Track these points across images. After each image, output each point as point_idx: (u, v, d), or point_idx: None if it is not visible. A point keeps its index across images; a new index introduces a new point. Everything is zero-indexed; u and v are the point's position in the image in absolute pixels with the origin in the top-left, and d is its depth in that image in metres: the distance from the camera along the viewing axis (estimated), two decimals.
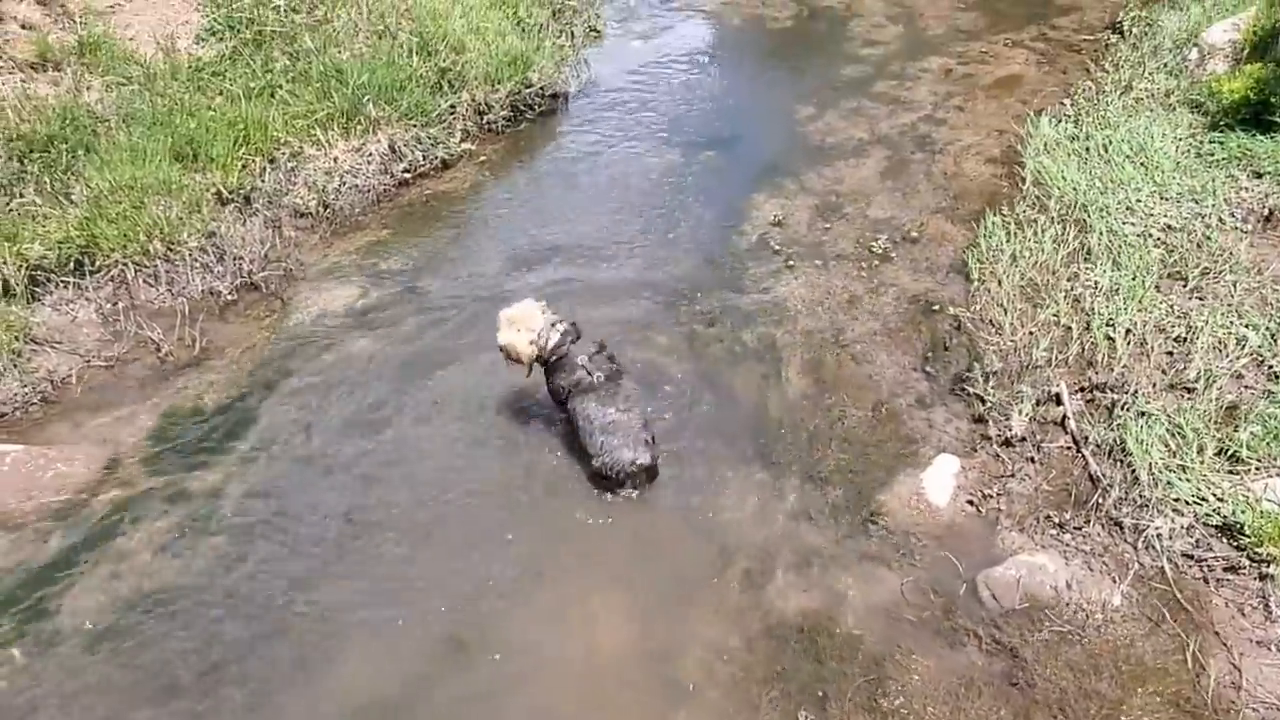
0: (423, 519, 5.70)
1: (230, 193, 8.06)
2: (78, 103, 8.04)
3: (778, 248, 8.05)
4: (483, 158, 9.77)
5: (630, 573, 5.35)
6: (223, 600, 5.25)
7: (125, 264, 7.30)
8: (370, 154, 9.03)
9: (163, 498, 5.88)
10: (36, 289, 7.08)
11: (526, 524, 5.64)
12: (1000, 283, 7.11)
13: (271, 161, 8.54)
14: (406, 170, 9.28)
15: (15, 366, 6.47)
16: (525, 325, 5.80)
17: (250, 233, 7.94)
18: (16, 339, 6.54)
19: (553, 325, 5.82)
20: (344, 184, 8.81)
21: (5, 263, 6.83)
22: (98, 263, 7.26)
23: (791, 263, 7.84)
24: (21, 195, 7.28)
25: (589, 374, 5.79)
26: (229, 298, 7.56)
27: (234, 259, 7.70)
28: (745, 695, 4.72)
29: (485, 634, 5.03)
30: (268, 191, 8.38)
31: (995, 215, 7.86)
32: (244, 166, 8.20)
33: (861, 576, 5.27)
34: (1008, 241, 7.47)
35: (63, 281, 7.18)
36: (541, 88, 10.50)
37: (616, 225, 8.47)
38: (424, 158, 9.36)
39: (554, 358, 5.84)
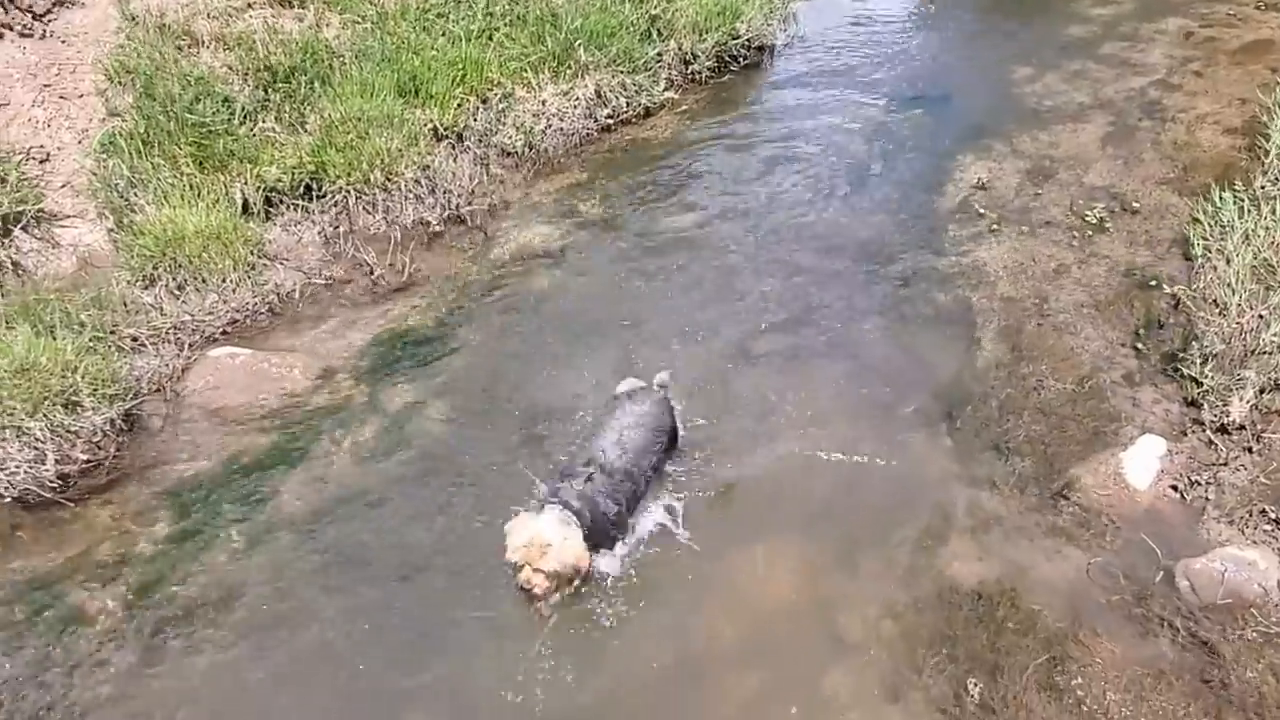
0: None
1: (445, 129, 8.43)
2: (317, 38, 8.57)
3: (982, 210, 7.74)
4: (684, 107, 9.82)
5: (803, 523, 5.33)
6: (412, 507, 5.56)
7: (348, 191, 7.77)
8: (577, 98, 9.23)
9: (366, 409, 6.28)
10: (270, 210, 7.65)
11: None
12: (1229, 261, 6.58)
13: (484, 102, 8.85)
14: (610, 116, 9.45)
15: (249, 279, 7.02)
16: (553, 539, 4.68)
17: (461, 168, 8.30)
18: (252, 254, 7.09)
19: (566, 516, 4.77)
20: (549, 126, 9.05)
21: (246, 184, 7.39)
22: (324, 188, 7.76)
23: (995, 227, 7.52)
24: (263, 122, 7.85)
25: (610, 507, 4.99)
26: (437, 228, 7.94)
27: (444, 192, 8.06)
28: (909, 655, 4.65)
29: (652, 573, 5.14)
30: (479, 130, 8.71)
31: (1228, 190, 7.26)
32: (459, 105, 8.55)
33: (1046, 551, 5.07)
34: (1240, 218, 6.89)
35: (293, 204, 7.72)
36: (748, 39, 10.43)
37: (814, 182, 8.35)
38: (627, 104, 9.50)
39: (593, 521, 4.90)
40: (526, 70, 9.06)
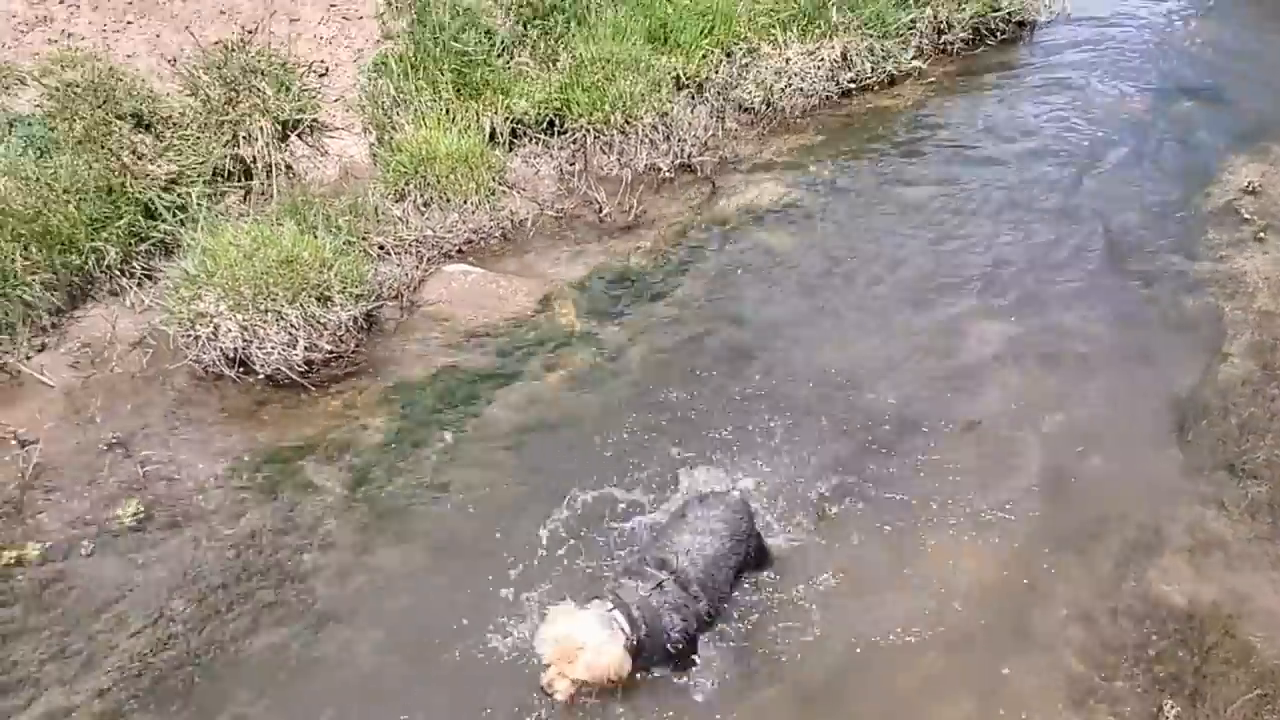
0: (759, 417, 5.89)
1: (687, 79, 8.55)
2: None
3: (1248, 216, 7.16)
4: (931, 79, 9.53)
5: (1002, 517, 5.19)
6: (610, 436, 5.79)
7: (588, 130, 8.05)
8: (821, 59, 9.13)
9: (580, 339, 6.57)
10: (514, 141, 8.03)
11: None
12: None
13: (728, 55, 8.90)
14: (852, 81, 9.30)
15: (488, 203, 7.44)
16: (588, 643, 4.04)
17: (697, 119, 8.40)
18: (494, 180, 7.50)
19: (610, 619, 4.13)
20: (790, 86, 9.00)
21: (496, 114, 7.79)
22: (566, 125, 8.07)
23: (1261, 235, 6.95)
24: (519, 56, 8.22)
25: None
26: (667, 175, 8.12)
27: (678, 140, 8.21)
28: (1099, 663, 4.48)
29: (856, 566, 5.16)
30: (719, 83, 8.79)
31: None
32: (704, 56, 8.64)
33: (1274, 583, 4.73)
34: None
35: (535, 137, 8.07)
36: (1009, 12, 9.97)
37: (1061, 169, 7.98)
38: (872, 70, 9.31)
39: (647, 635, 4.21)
40: (775, 27, 9.02)
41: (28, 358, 6.08)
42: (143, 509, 5.32)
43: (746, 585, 4.81)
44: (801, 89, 9.04)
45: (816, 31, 9.14)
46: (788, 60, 9.04)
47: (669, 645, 4.25)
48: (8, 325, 6.04)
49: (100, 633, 4.74)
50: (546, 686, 4.04)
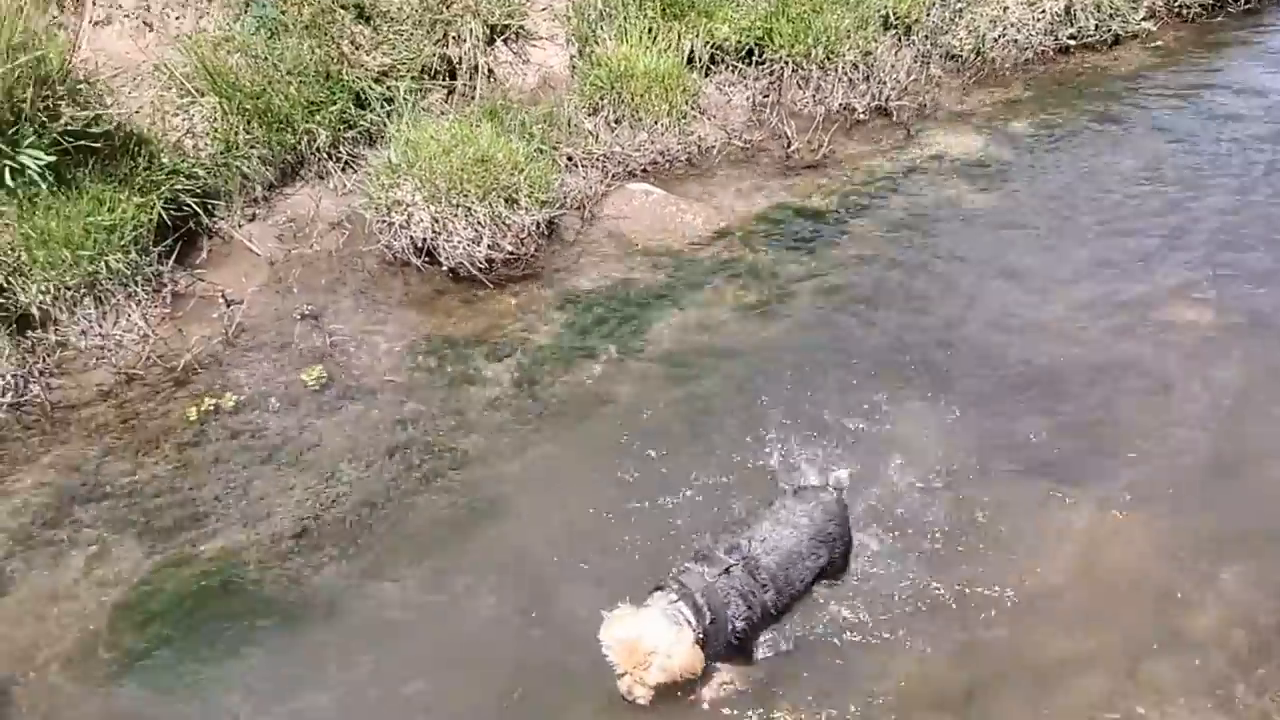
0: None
1: (897, 19, 8.27)
2: None
3: None
4: (1158, 43, 8.91)
5: (1177, 496, 4.94)
6: (772, 369, 5.78)
7: (786, 62, 7.92)
8: (1043, 11, 8.66)
9: (751, 271, 6.56)
10: (711, 67, 7.98)
11: None
12: None
13: None
14: (1072, 37, 8.82)
15: (678, 125, 7.46)
16: (659, 644, 3.79)
17: (900, 62, 8.15)
18: (686, 104, 7.50)
19: (673, 611, 3.87)
20: (1004, 36, 8.62)
21: (697, 37, 7.75)
22: (764, 55, 7.96)
23: None
24: None
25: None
26: (861, 116, 7.94)
27: (878, 82, 8.00)
28: (1255, 675, 4.23)
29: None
30: (929, 26, 8.47)
31: None
32: None
33: None
34: None
35: (732, 65, 8.00)
36: None
37: None
38: (1096, 28, 8.79)
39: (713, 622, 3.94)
40: None
41: (239, 226, 6.54)
42: (325, 376, 5.69)
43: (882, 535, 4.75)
44: (1016, 41, 8.64)
45: None
46: (1006, 9, 8.64)
47: (731, 636, 3.99)
48: (226, 193, 6.50)
49: (277, 482, 5.13)
50: (626, 695, 3.86)
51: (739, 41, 7.90)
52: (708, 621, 3.86)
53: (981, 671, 4.25)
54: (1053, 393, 5.53)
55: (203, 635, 4.42)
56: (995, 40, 8.55)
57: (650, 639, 3.74)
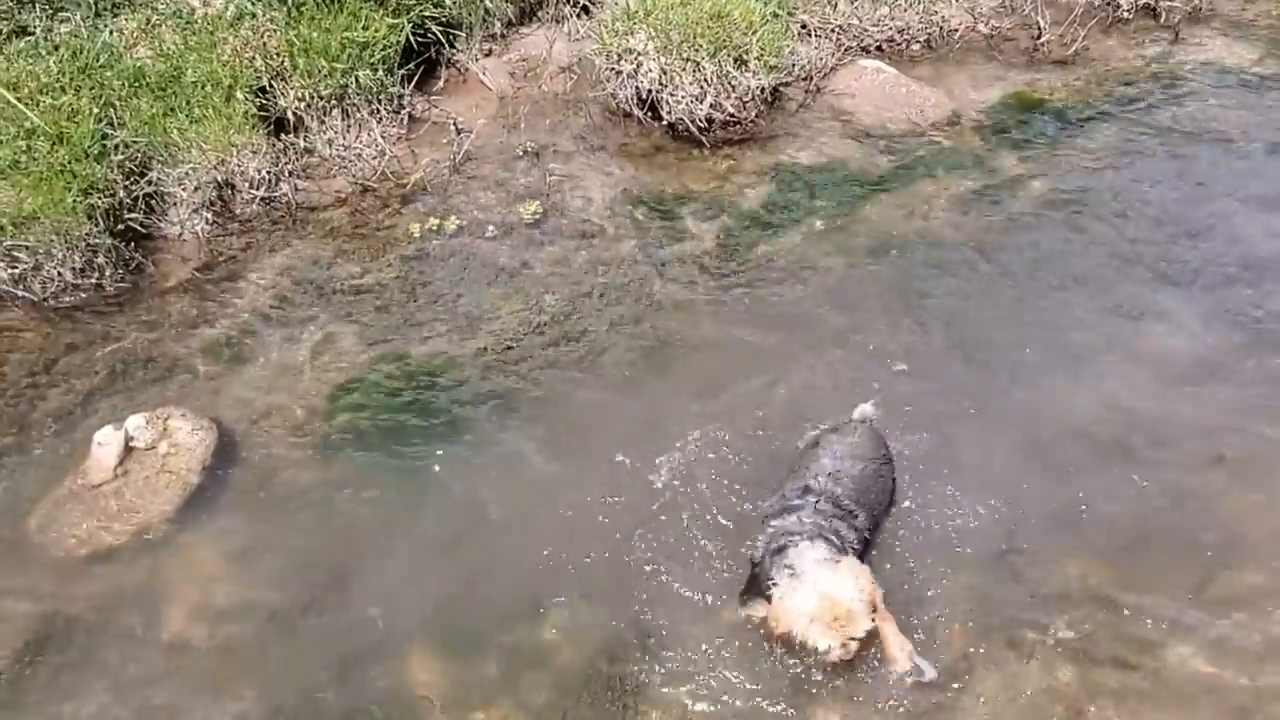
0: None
1: None
2: None
3: None
4: None
5: None
6: (980, 264, 5.64)
7: None
8: None
9: (978, 164, 6.31)
10: None
11: None
12: None
13: None
14: None
15: (922, 3, 7.12)
16: (852, 600, 3.66)
17: None
18: None
19: (824, 552, 3.80)
20: None
21: None
22: None
23: None
24: None
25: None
26: (1126, 15, 7.39)
27: None
28: None
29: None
30: None
31: None
32: None
33: None
34: None
35: None
36: None
37: None
38: None
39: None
40: None
41: (476, 59, 6.80)
42: (541, 211, 5.94)
43: None
44: None
45: None
46: None
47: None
48: (468, 25, 6.74)
49: (487, 302, 5.46)
50: (844, 658, 3.67)
51: None
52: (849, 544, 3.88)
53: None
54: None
55: (406, 422, 4.84)
56: None
57: (838, 594, 3.61)
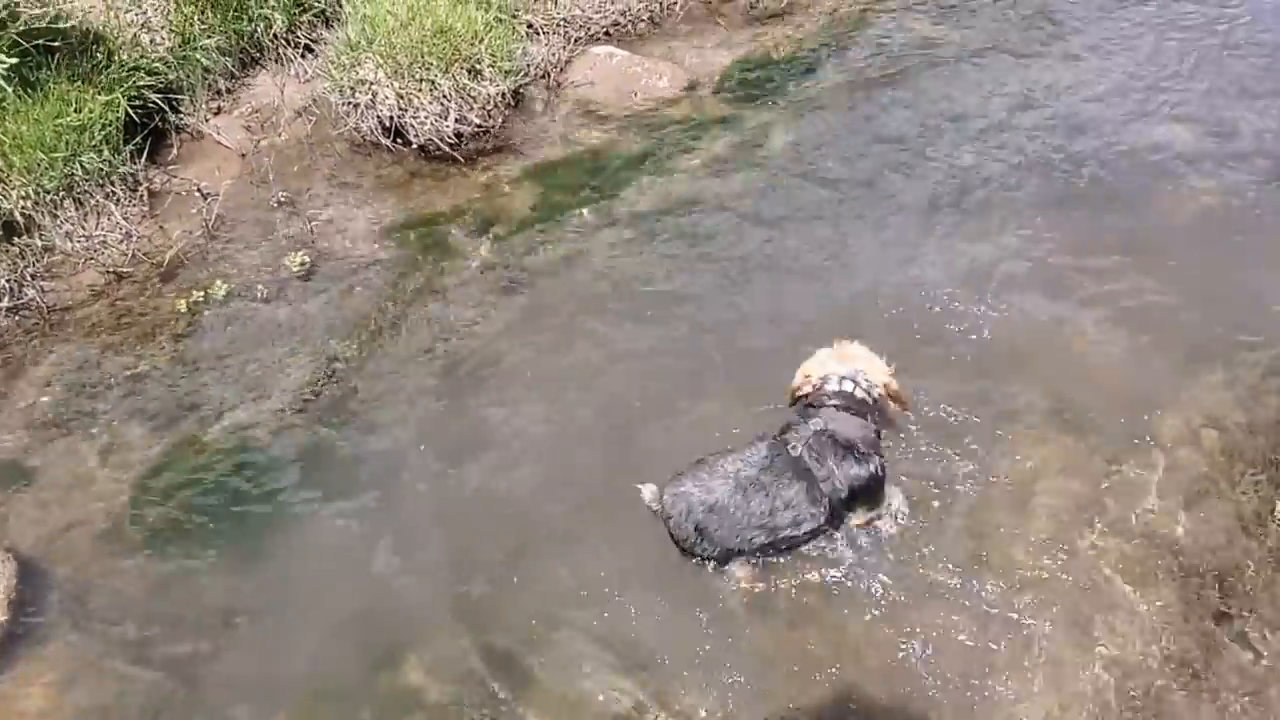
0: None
1: None
2: None
3: None
4: None
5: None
6: (747, 216, 5.97)
7: None
8: None
9: (722, 125, 6.64)
10: None
11: None
12: None
13: None
14: None
15: None
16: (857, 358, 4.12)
17: None
18: None
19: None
20: None
21: None
22: None
23: None
24: None
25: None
26: None
27: None
28: (1225, 469, 4.50)
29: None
30: None
31: None
32: None
33: None
34: None
35: None
36: None
37: None
38: None
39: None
40: None
41: (206, 120, 6.58)
42: (308, 260, 5.84)
43: None
44: None
45: None
46: None
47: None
48: (189, 87, 6.51)
49: (273, 363, 5.34)
50: (903, 400, 4.10)
51: None
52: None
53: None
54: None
55: (217, 503, 4.71)
56: None
57: (853, 356, 4.05)
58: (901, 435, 4.55)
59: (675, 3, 7.53)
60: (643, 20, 7.42)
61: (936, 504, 4.40)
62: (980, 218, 5.81)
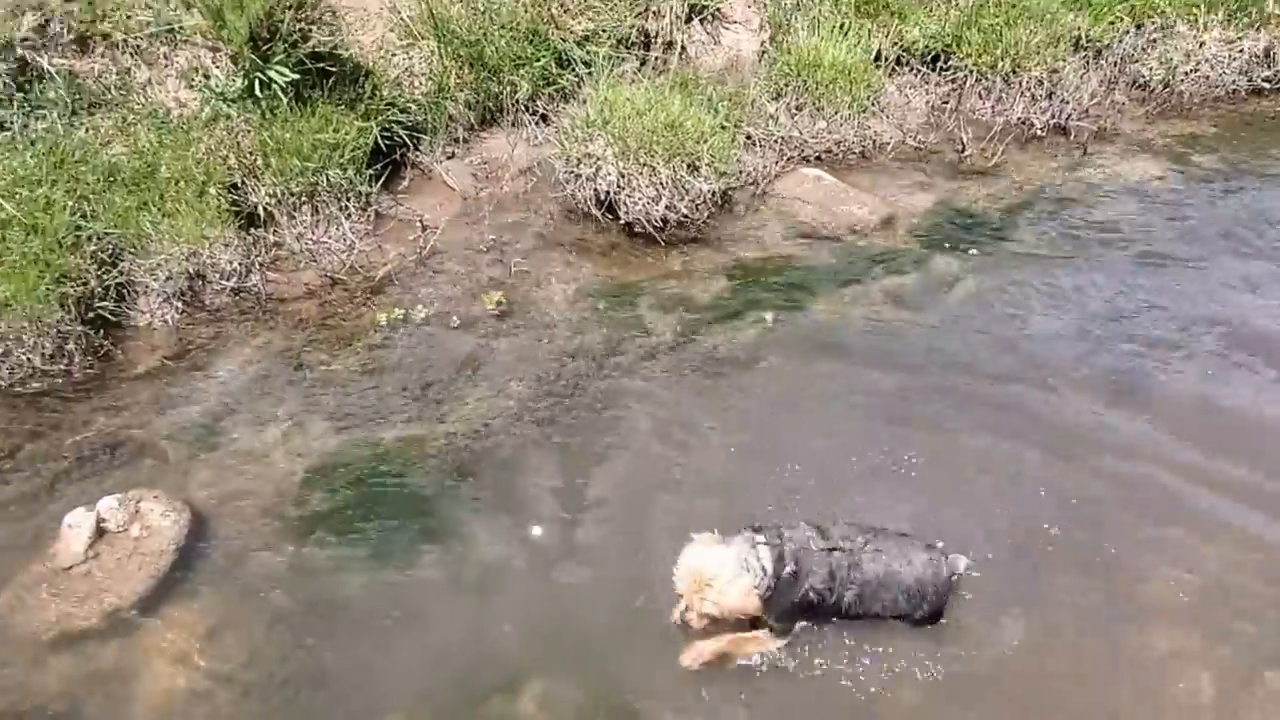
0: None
1: (1088, 41, 8.32)
2: None
3: None
4: None
5: None
6: (923, 352, 6.03)
7: (971, 71, 8.07)
8: (1241, 50, 8.55)
9: (912, 263, 6.79)
10: (896, 67, 8.19)
11: None
12: None
13: (1138, 26, 8.53)
14: (1268, 80, 8.65)
15: (856, 119, 7.71)
16: (716, 579, 4.02)
17: (1086, 83, 8.19)
18: (867, 99, 7.75)
19: (751, 555, 4.07)
20: (1196, 70, 8.54)
21: (887, 37, 7.99)
22: (950, 63, 8.14)
23: None
24: None
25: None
26: (1039, 132, 8.05)
27: (1061, 100, 8.07)
28: None
29: None
30: (1120, 53, 8.48)
31: None
32: (1114, 21, 8.34)
33: None
34: None
35: (916, 69, 8.21)
36: None
37: None
38: None
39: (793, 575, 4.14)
40: (1198, 6, 8.51)
41: (440, 161, 7.12)
42: (503, 303, 6.19)
43: None
44: (1208, 77, 8.58)
45: (1244, 19, 8.53)
46: (1202, 44, 8.55)
47: (806, 594, 4.13)
48: (432, 129, 7.08)
49: (453, 389, 5.65)
50: (681, 618, 4.08)
51: (926, 46, 8.08)
52: (787, 571, 4.03)
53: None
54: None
55: (376, 505, 4.96)
56: (1186, 74, 8.50)
57: (712, 571, 3.97)
58: None
59: (887, 144, 7.80)
60: (854, 152, 7.72)
61: None
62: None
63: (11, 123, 5.96)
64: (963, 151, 7.81)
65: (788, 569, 4.04)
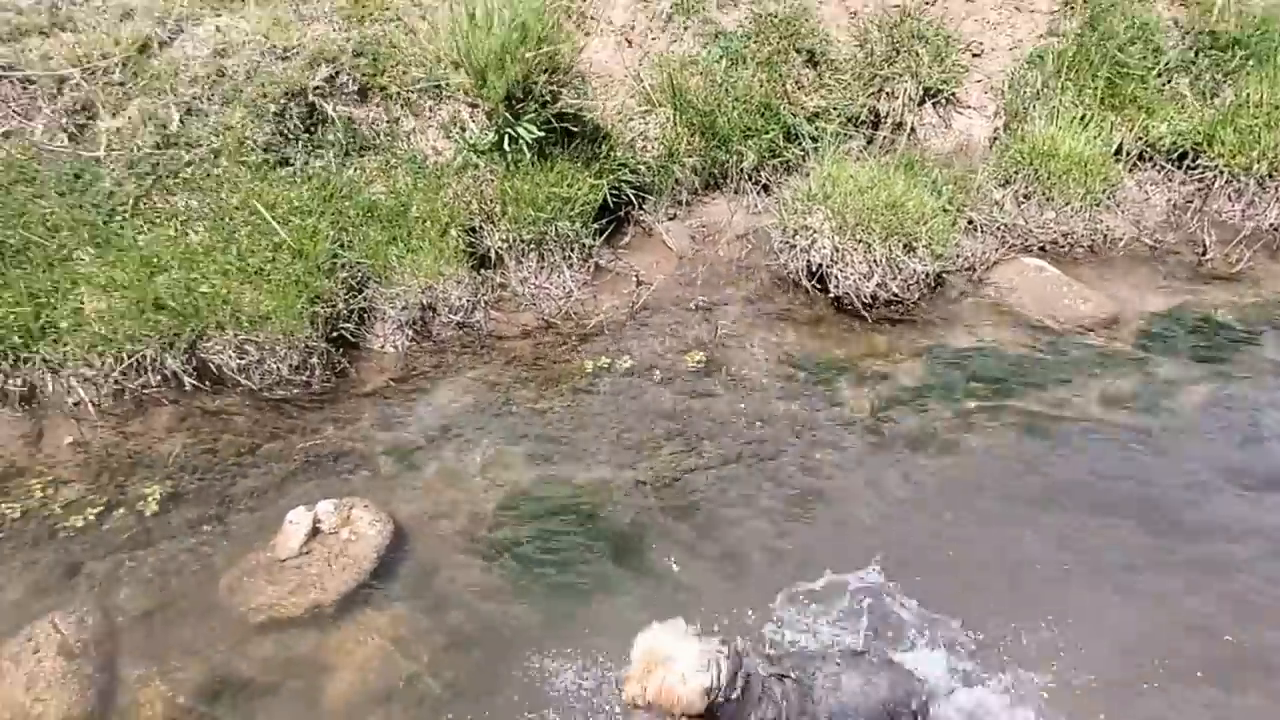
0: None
1: None
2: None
3: None
4: None
5: None
6: (1138, 465, 5.72)
7: (1220, 172, 7.64)
8: None
9: (1133, 365, 6.47)
10: (1138, 163, 7.86)
11: None
12: None
13: None
14: None
15: (1089, 212, 7.42)
16: (675, 666, 3.70)
17: None
18: (1102, 193, 7.45)
19: (716, 658, 3.74)
20: None
21: (1130, 130, 7.69)
22: (1198, 161, 7.73)
23: None
24: (1176, 81, 7.96)
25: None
26: None
27: None
28: None
29: None
30: None
31: None
32: None
33: None
34: None
35: (1160, 165, 7.84)
36: None
37: None
38: None
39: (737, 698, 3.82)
40: None
41: (661, 221, 7.43)
42: (705, 361, 6.37)
43: None
44: None
45: None
46: None
47: (742, 705, 3.84)
48: (658, 191, 7.41)
49: (649, 439, 5.85)
50: (624, 699, 3.80)
51: (1173, 143, 7.73)
52: (733, 694, 3.77)
53: None
54: None
55: (564, 539, 5.20)
56: None
57: (670, 657, 3.68)
58: None
59: (1120, 239, 7.49)
60: (1082, 246, 7.45)
61: None
62: None
63: (295, 159, 6.71)
64: (1204, 254, 7.38)
65: (734, 692, 3.78)
